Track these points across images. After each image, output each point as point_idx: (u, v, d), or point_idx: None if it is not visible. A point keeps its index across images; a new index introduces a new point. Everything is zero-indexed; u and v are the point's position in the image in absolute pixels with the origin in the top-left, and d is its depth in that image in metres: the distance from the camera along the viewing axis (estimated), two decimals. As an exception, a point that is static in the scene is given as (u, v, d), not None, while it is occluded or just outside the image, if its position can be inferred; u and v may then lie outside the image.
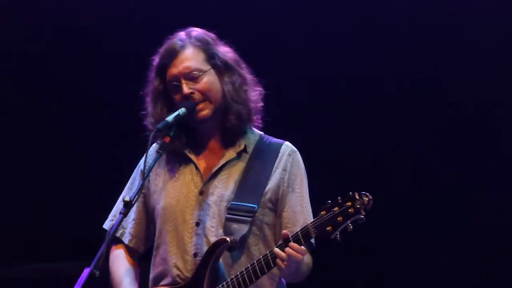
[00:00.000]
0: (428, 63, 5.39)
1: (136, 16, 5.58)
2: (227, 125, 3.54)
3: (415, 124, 5.47)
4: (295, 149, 3.64)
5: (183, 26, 3.63)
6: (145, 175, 3.38)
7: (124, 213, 3.23)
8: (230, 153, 3.57)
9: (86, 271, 3.07)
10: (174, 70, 3.50)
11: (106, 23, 5.58)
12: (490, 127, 5.39)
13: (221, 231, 3.47)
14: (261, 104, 3.61)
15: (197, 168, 3.56)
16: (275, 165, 3.56)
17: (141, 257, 3.69)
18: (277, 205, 3.56)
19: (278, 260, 3.31)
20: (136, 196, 3.28)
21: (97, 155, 5.75)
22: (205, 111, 3.50)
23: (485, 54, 5.29)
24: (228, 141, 3.58)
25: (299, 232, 3.31)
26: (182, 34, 3.57)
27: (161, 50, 3.56)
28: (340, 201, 3.28)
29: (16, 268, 5.84)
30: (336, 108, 5.49)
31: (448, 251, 5.41)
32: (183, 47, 3.51)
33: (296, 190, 3.58)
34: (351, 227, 3.26)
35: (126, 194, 3.65)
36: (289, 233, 3.32)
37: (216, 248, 3.42)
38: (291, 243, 3.30)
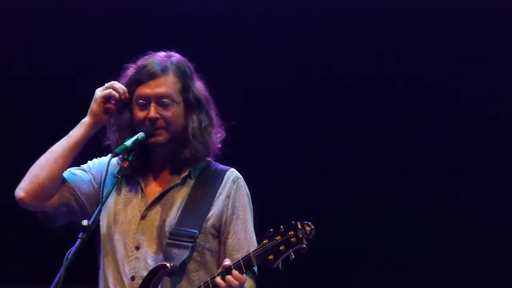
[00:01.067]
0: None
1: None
2: (180, 156, 3.56)
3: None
4: (240, 175, 3.67)
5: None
6: (102, 200, 3.37)
7: (83, 238, 3.22)
8: (175, 178, 3.59)
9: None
10: (148, 90, 3.51)
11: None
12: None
13: (161, 256, 3.49)
14: (219, 146, 3.64)
15: (142, 192, 3.58)
16: (219, 191, 3.60)
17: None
18: (220, 231, 3.59)
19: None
20: (94, 222, 3.27)
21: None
22: (160, 137, 3.52)
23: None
24: (176, 169, 3.60)
25: (241, 261, 3.35)
26: (164, 57, 3.58)
27: (140, 64, 3.57)
28: (282, 230, 3.31)
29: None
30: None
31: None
32: (163, 71, 3.52)
33: (240, 216, 3.61)
34: (293, 256, 3.30)
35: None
36: (230, 263, 3.36)
37: (155, 273, 3.43)
38: (233, 271, 3.33)
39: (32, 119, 5.63)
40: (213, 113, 3.64)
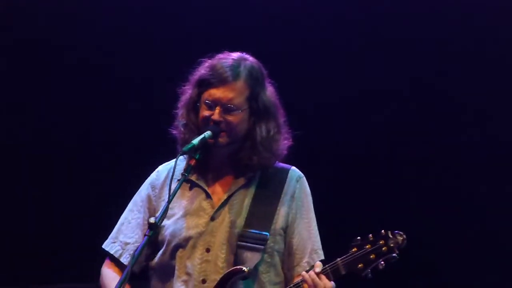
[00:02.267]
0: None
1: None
2: (247, 162, 3.56)
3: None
4: (302, 174, 3.68)
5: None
6: (169, 198, 3.36)
7: (149, 235, 3.24)
8: (240, 180, 3.59)
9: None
10: (216, 93, 3.51)
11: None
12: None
13: (231, 258, 3.48)
14: (285, 152, 3.63)
15: (207, 194, 3.58)
16: (284, 191, 3.60)
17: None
18: (286, 232, 3.59)
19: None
20: (161, 218, 3.30)
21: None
22: (222, 139, 3.51)
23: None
24: (239, 171, 3.60)
25: (328, 268, 3.35)
26: (237, 60, 3.57)
27: (214, 64, 3.56)
28: (371, 239, 3.32)
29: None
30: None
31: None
32: (235, 77, 3.51)
33: (304, 216, 3.62)
34: (383, 265, 3.30)
35: (128, 216, 3.66)
36: (320, 269, 3.35)
37: (231, 276, 3.44)
38: (321, 275, 3.35)
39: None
40: (281, 120, 3.63)
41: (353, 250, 3.32)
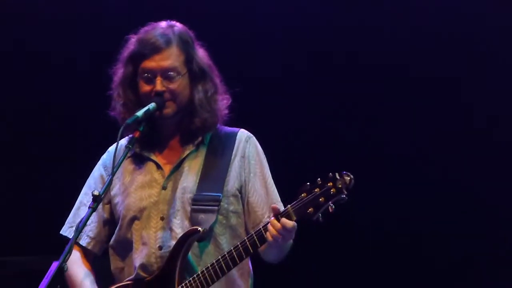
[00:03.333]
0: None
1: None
2: (190, 127, 3.57)
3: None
4: (251, 134, 3.68)
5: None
6: (114, 169, 3.35)
7: (93, 207, 3.23)
8: (189, 146, 3.59)
9: (54, 265, 3.08)
10: (153, 63, 3.50)
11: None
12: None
13: (186, 222, 3.50)
14: (226, 112, 3.63)
15: (157, 165, 3.59)
16: (233, 152, 3.61)
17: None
18: (242, 192, 3.60)
19: (272, 232, 3.30)
20: (105, 191, 3.30)
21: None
22: (168, 109, 3.52)
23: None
24: (186, 139, 3.61)
25: (279, 216, 3.31)
26: (166, 28, 3.56)
27: (142, 37, 3.54)
28: (320, 182, 3.28)
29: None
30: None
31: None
32: (167, 43, 3.51)
33: (258, 174, 3.63)
34: (333, 207, 3.26)
35: (83, 199, 3.67)
36: (279, 210, 3.32)
37: (186, 238, 3.44)
38: (283, 219, 3.30)
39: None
40: (217, 80, 3.63)
41: (302, 195, 3.29)
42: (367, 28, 5.39)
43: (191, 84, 3.56)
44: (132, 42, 3.58)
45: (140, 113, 3.43)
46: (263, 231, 3.34)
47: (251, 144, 3.65)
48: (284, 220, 3.29)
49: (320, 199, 3.26)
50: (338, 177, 3.26)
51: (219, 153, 3.60)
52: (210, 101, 3.57)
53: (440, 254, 5.39)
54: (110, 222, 3.65)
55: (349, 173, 3.27)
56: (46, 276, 3.06)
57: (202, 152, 3.60)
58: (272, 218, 3.32)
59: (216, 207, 3.50)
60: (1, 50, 5.65)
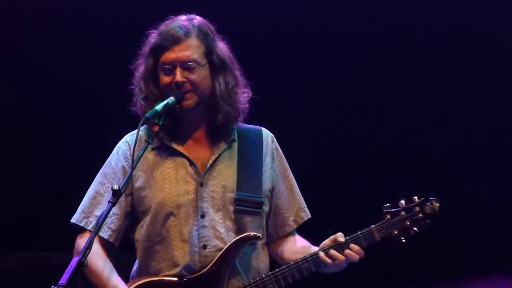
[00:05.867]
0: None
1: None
2: (215, 123, 3.54)
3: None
4: (272, 134, 3.69)
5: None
6: (133, 164, 3.32)
7: (113, 202, 3.20)
8: (223, 143, 3.56)
9: (75, 260, 3.05)
10: (173, 55, 3.48)
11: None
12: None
13: (228, 222, 3.49)
14: (247, 105, 3.61)
15: (189, 160, 3.54)
16: (264, 151, 3.61)
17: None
18: (272, 193, 3.60)
19: (330, 260, 3.42)
20: (125, 185, 3.26)
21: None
22: (189, 101, 3.49)
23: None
24: (214, 136, 3.57)
25: (360, 234, 3.41)
26: (185, 20, 3.54)
27: (162, 30, 3.53)
28: (406, 206, 3.40)
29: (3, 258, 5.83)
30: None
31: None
32: (187, 35, 3.49)
33: (284, 175, 3.65)
34: (416, 230, 3.39)
35: (100, 189, 3.58)
36: (344, 238, 3.41)
37: (242, 243, 3.45)
38: (352, 245, 3.40)
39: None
40: (238, 73, 3.60)
41: (388, 217, 3.41)
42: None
43: (211, 76, 3.53)
44: (153, 36, 3.56)
45: (159, 107, 3.41)
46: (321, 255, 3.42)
47: (276, 145, 3.68)
48: (349, 252, 3.40)
49: (407, 223, 3.40)
50: (426, 202, 3.39)
51: (250, 151, 3.60)
52: (231, 94, 3.54)
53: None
54: (131, 215, 3.58)
55: (437, 199, 3.40)
56: (66, 272, 3.02)
57: (234, 149, 3.59)
58: (322, 252, 3.42)
59: (260, 210, 3.52)
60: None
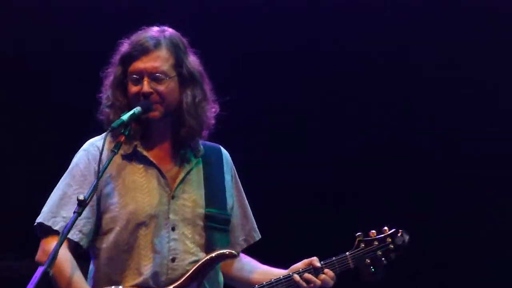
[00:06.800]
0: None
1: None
2: (178, 136, 3.53)
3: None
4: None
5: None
6: (99, 174, 3.31)
7: (79, 212, 3.18)
8: (191, 158, 3.57)
9: (39, 270, 3.03)
10: (141, 64, 3.48)
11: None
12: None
13: (197, 237, 3.50)
14: (213, 121, 3.60)
15: (160, 172, 3.53)
16: (224, 169, 3.63)
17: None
18: (232, 210, 3.63)
19: (304, 284, 3.47)
20: (91, 196, 3.22)
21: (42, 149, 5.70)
22: (156, 112, 3.48)
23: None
24: (181, 149, 3.57)
25: (335, 260, 3.47)
26: (157, 31, 3.55)
27: (133, 39, 3.54)
28: (377, 236, 3.47)
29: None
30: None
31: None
32: (157, 46, 3.49)
33: (241, 195, 3.70)
34: (386, 261, 3.47)
35: (68, 190, 3.51)
36: (319, 263, 3.49)
37: (217, 260, 3.48)
38: (326, 270, 3.47)
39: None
40: (207, 87, 3.60)
41: (362, 245, 3.46)
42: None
43: (180, 88, 3.52)
44: (124, 45, 3.57)
45: (125, 116, 3.40)
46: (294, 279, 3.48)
47: (232, 164, 3.69)
48: (325, 277, 3.47)
49: (378, 253, 3.46)
50: (397, 234, 3.46)
51: (214, 168, 3.61)
52: (197, 107, 3.53)
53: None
54: (98, 219, 3.53)
55: (406, 232, 3.47)
56: (31, 282, 3.00)
57: (201, 163, 3.59)
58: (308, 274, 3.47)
59: (228, 227, 3.57)
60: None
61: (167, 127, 3.55)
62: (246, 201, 3.71)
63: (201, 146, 3.59)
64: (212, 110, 3.60)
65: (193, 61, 3.59)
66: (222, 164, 3.62)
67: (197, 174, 3.56)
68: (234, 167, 3.69)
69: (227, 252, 3.46)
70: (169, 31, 3.58)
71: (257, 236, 3.71)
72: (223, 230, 3.52)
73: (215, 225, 3.50)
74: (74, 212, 3.19)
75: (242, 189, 3.70)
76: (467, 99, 5.52)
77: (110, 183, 3.52)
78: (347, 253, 3.49)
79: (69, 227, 3.19)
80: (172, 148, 3.57)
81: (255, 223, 3.71)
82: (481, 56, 5.42)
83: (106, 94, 3.56)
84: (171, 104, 3.50)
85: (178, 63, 3.52)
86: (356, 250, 3.47)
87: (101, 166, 3.32)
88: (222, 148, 3.69)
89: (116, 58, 3.56)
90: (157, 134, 3.56)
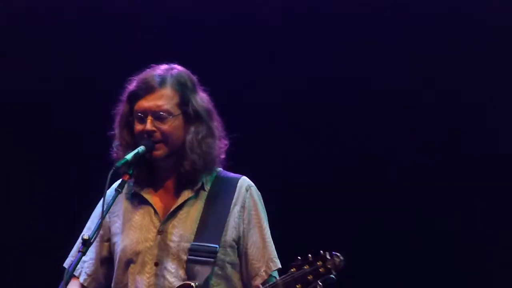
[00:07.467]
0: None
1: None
2: (180, 170, 3.54)
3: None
4: (252, 183, 3.66)
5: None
6: (103, 214, 3.36)
7: (83, 251, 3.26)
8: (188, 192, 3.57)
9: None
10: (145, 103, 3.51)
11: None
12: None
13: (181, 272, 3.49)
14: (222, 156, 3.61)
15: (153, 208, 3.57)
16: (233, 201, 3.59)
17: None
18: (239, 243, 3.58)
19: None
20: (95, 235, 3.30)
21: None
22: (159, 151, 3.51)
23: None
24: (181, 184, 3.59)
25: (268, 286, 3.35)
26: (164, 70, 3.58)
27: (140, 77, 3.58)
28: (311, 260, 3.32)
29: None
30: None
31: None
32: (162, 84, 3.52)
33: (257, 225, 3.61)
34: (321, 285, 3.31)
35: (85, 231, 3.64)
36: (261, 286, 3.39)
37: None
38: None
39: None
40: (214, 124, 3.60)
41: (292, 270, 3.33)
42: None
43: (185, 126, 3.55)
44: (131, 83, 3.61)
45: (129, 156, 3.44)
46: None
47: (251, 194, 3.63)
48: None
49: (309, 277, 3.31)
50: (328, 257, 3.30)
51: (219, 200, 3.58)
52: (201, 143, 3.53)
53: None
54: (109, 260, 3.63)
55: (339, 254, 3.31)
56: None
57: (202, 198, 3.58)
58: None
59: (212, 259, 3.48)
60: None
61: (171, 165, 3.57)
62: (267, 231, 3.63)
63: (203, 180, 3.59)
64: (220, 146, 3.61)
65: (201, 99, 3.60)
66: (231, 196, 3.58)
67: (192, 207, 3.56)
68: (254, 198, 3.63)
69: (184, 285, 3.44)
70: (177, 69, 3.61)
71: (274, 266, 3.62)
72: (206, 262, 3.47)
73: (197, 258, 3.47)
74: (79, 251, 3.28)
75: (262, 219, 3.63)
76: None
77: (116, 222, 3.62)
78: (277, 278, 3.38)
79: (73, 266, 3.28)
80: (174, 184, 3.59)
81: (274, 252, 3.63)
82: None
83: (116, 132, 3.62)
84: (175, 142, 3.52)
85: (184, 102, 3.54)
86: (287, 274, 3.33)
87: (105, 206, 3.38)
88: (242, 179, 3.65)
89: (124, 96, 3.61)
90: (161, 172, 3.60)
